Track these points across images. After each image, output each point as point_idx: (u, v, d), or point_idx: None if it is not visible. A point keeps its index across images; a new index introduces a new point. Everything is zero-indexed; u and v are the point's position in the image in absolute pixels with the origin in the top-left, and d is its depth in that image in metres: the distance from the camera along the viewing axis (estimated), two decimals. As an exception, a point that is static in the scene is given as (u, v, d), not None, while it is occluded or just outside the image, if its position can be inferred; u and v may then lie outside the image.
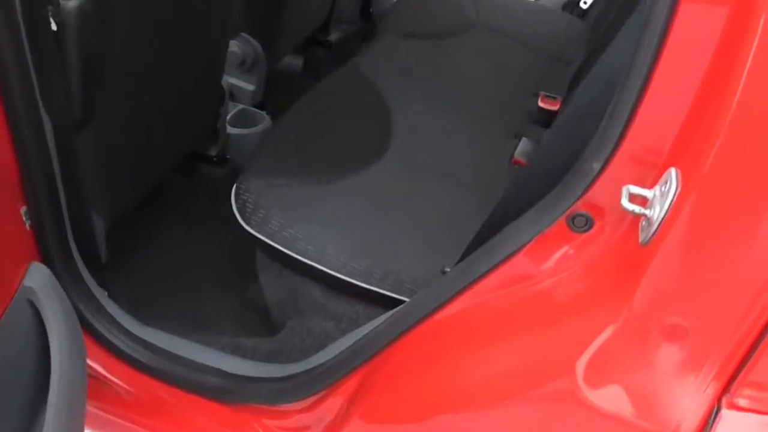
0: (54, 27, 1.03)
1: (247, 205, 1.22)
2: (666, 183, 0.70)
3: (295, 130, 1.41)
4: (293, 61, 2.23)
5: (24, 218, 1.06)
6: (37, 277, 1.01)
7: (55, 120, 1.07)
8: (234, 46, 1.79)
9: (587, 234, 0.80)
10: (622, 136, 0.74)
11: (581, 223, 0.79)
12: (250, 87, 1.89)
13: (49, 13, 1.02)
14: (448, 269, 1.08)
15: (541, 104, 1.55)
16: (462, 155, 1.42)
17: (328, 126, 1.43)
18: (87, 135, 1.19)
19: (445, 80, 1.62)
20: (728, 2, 0.71)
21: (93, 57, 1.10)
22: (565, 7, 2.06)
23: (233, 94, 1.89)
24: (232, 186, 1.35)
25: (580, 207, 0.79)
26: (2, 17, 0.92)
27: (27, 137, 1.01)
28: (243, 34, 1.82)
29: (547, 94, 1.56)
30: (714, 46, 0.72)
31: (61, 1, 1.03)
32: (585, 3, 1.99)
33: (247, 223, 1.21)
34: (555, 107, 1.53)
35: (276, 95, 2.06)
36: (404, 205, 1.28)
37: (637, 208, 0.71)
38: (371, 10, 2.26)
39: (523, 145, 1.46)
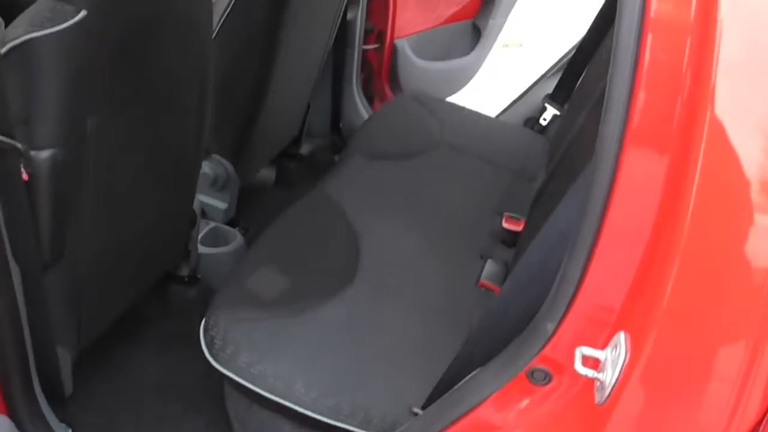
0: (25, 177, 1.06)
1: (215, 340, 1.22)
2: (616, 347, 0.72)
3: (264, 260, 1.43)
4: (266, 174, 2.28)
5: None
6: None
7: (23, 266, 1.09)
8: (206, 167, 1.84)
9: (547, 388, 0.82)
10: (573, 297, 0.77)
11: (540, 377, 0.81)
12: (222, 205, 1.92)
13: (21, 165, 1.05)
14: (416, 410, 1.09)
15: (505, 225, 1.59)
16: (429, 279, 1.45)
17: (296, 254, 1.46)
18: (55, 274, 1.20)
19: (411, 202, 1.66)
20: (669, 151, 0.75)
21: (64, 204, 1.12)
22: (526, 123, 2.15)
23: (205, 213, 1.92)
24: (203, 306, 1.35)
25: (538, 363, 0.81)
26: None
27: None
28: (214, 155, 1.86)
29: (511, 215, 1.61)
30: (657, 203, 0.76)
31: (32, 153, 1.06)
32: (545, 120, 2.08)
33: (216, 360, 1.21)
34: (519, 228, 1.58)
35: (249, 208, 2.09)
36: (373, 335, 1.30)
37: (590, 372, 0.73)
38: (341, 125, 2.34)
39: (489, 266, 1.50)
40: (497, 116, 2.29)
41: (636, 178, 0.77)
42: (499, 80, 3.42)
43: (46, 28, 1.00)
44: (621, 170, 0.76)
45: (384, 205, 1.63)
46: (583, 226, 0.77)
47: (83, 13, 1.02)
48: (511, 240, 1.59)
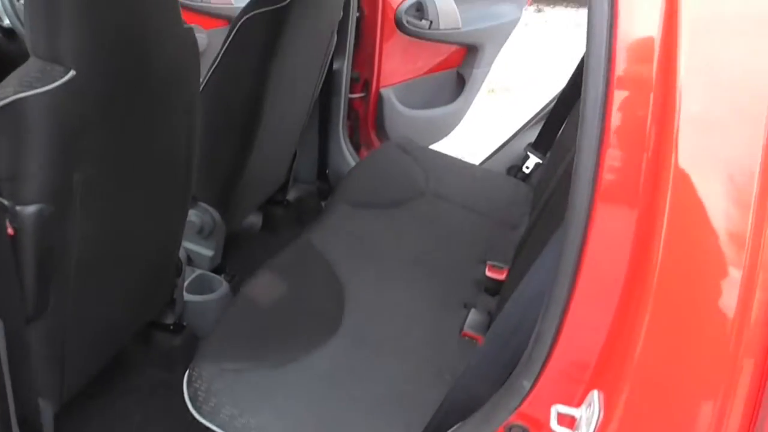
0: (11, 232, 1.07)
1: (199, 393, 1.22)
2: (590, 405, 0.74)
3: (249, 310, 1.44)
4: (252, 220, 2.30)
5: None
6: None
7: (6, 319, 1.09)
8: (192, 215, 1.85)
9: (524, 444, 0.82)
10: (548, 355, 0.78)
11: None
12: (209, 253, 1.93)
13: (6, 220, 1.06)
14: None
15: (488, 274, 1.61)
16: (413, 329, 1.46)
17: (280, 305, 1.47)
18: (38, 327, 1.20)
19: (396, 251, 1.68)
20: (637, 207, 0.77)
21: (49, 258, 1.13)
22: (509, 171, 2.19)
23: (191, 260, 1.93)
24: (188, 354, 1.35)
25: (516, 419, 0.82)
26: None
27: None
28: (201, 203, 1.88)
29: (494, 263, 1.63)
30: (627, 259, 0.78)
31: (18, 208, 1.07)
32: (527, 168, 2.11)
33: (199, 412, 1.21)
34: (502, 276, 1.60)
35: (235, 255, 2.10)
36: (356, 386, 1.30)
37: (565, 431, 0.74)
38: (328, 171, 2.37)
39: (473, 316, 1.51)
40: (481, 164, 2.32)
41: (606, 235, 0.79)
42: (485, 126, 3.48)
43: (35, 88, 1.02)
44: (592, 227, 0.78)
45: (369, 254, 1.64)
46: (557, 284, 0.79)
47: (72, 73, 1.04)
48: (495, 288, 1.60)
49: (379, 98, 2.40)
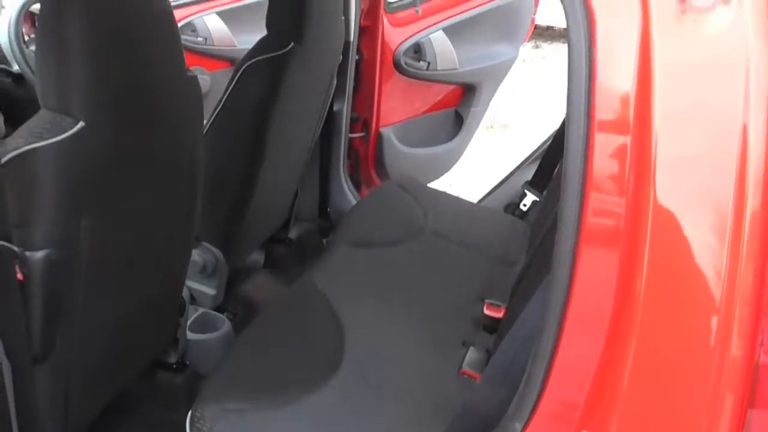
0: (20, 277, 1.11)
1: (201, 433, 1.25)
2: (581, 447, 0.76)
3: (251, 350, 1.47)
4: (254, 257, 2.33)
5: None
6: None
7: (14, 361, 1.12)
8: (195, 254, 1.88)
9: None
10: (538, 398, 0.81)
11: None
12: (211, 291, 1.96)
13: (16, 266, 1.09)
14: None
15: (486, 312, 1.64)
16: (413, 368, 1.48)
17: (282, 345, 1.49)
18: (44, 367, 1.23)
19: (396, 290, 1.71)
20: (619, 250, 0.80)
21: (56, 301, 1.16)
22: (507, 209, 2.22)
23: (194, 298, 1.96)
24: (191, 392, 1.37)
25: (509, 460, 0.84)
26: None
27: None
28: (204, 243, 1.91)
29: (492, 302, 1.65)
30: (612, 300, 0.81)
31: (27, 253, 1.11)
32: (524, 205, 2.15)
33: None
34: (500, 314, 1.62)
35: (237, 292, 2.13)
36: (357, 426, 1.32)
37: (556, 473, 0.77)
38: (329, 209, 2.40)
39: (471, 354, 1.53)
40: (479, 201, 2.36)
41: (591, 277, 0.81)
42: (484, 162, 3.53)
43: (45, 139, 1.06)
44: (577, 270, 0.81)
45: (369, 293, 1.67)
46: (545, 327, 0.81)
47: (81, 124, 1.09)
48: (493, 326, 1.63)
49: (379, 137, 2.45)
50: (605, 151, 0.80)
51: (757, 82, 0.70)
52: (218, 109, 1.75)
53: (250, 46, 1.85)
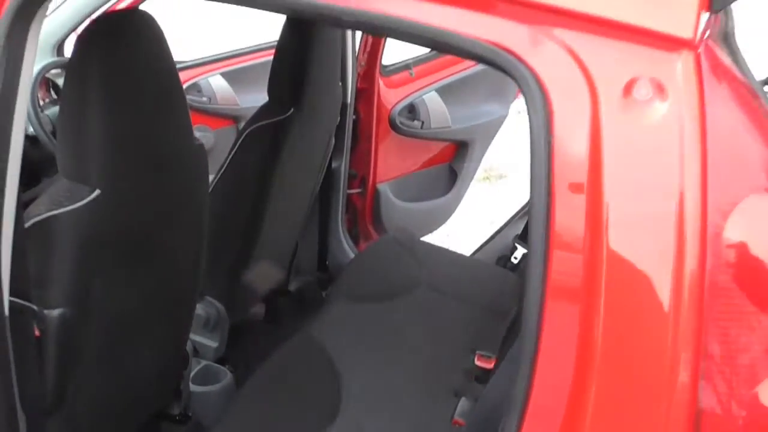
0: (37, 333, 1.19)
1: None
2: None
3: (251, 403, 1.54)
4: (256, 309, 2.40)
5: None
6: None
7: (28, 413, 1.19)
8: (199, 308, 1.96)
9: None
10: None
11: None
12: (213, 344, 2.03)
13: (34, 323, 1.18)
14: None
15: (477, 363, 1.71)
16: (407, 418, 1.55)
17: (281, 397, 1.56)
18: (56, 418, 1.30)
19: (391, 342, 1.78)
20: (579, 302, 0.88)
21: (70, 356, 1.24)
22: (498, 261, 2.31)
23: (196, 351, 2.03)
24: None
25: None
26: None
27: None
28: (207, 297, 1.99)
29: (483, 353, 1.72)
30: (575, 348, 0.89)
31: (45, 311, 1.19)
32: (515, 258, 2.24)
33: None
34: (490, 365, 1.70)
35: (238, 344, 2.20)
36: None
37: None
38: (328, 263, 2.49)
39: (462, 404, 1.60)
40: (472, 254, 2.45)
41: (556, 329, 0.89)
42: (480, 213, 3.62)
43: (64, 206, 1.16)
44: (544, 323, 0.89)
45: (366, 346, 1.74)
46: (519, 375, 0.89)
47: (96, 192, 1.19)
48: (484, 377, 1.69)
49: (376, 193, 2.55)
50: (564, 215, 0.89)
51: (690, 162, 0.80)
52: (222, 171, 1.85)
53: (252, 105, 1.96)
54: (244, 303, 2.12)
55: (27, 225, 1.14)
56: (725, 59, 0.95)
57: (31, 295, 1.16)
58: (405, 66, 2.57)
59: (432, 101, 2.59)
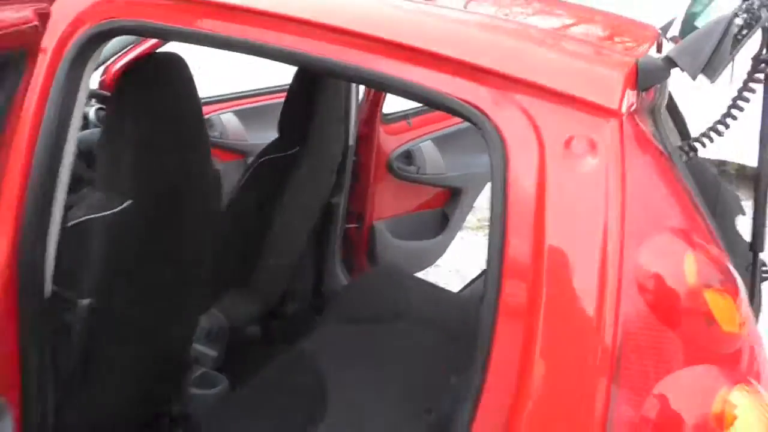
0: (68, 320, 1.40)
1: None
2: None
3: (242, 408, 1.72)
4: (252, 330, 2.57)
5: None
6: None
7: (57, 385, 1.38)
8: (203, 319, 2.15)
9: None
10: None
11: None
12: (213, 353, 2.21)
13: (68, 309, 1.38)
14: None
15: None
16: (384, 428, 1.73)
17: (270, 402, 1.75)
18: (78, 397, 1.48)
19: (377, 361, 1.97)
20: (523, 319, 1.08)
21: (92, 343, 1.44)
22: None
23: (197, 359, 2.21)
24: None
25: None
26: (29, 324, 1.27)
27: None
28: (212, 309, 2.19)
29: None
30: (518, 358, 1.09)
31: (78, 300, 1.40)
32: (495, 296, 2.42)
33: None
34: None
35: (236, 360, 2.37)
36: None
37: None
38: (322, 289, 2.68)
39: (433, 418, 1.78)
40: (459, 291, 2.64)
41: (505, 342, 1.09)
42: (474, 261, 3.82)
43: (100, 212, 1.38)
44: (496, 337, 1.09)
45: (353, 363, 1.93)
46: (473, 377, 1.09)
47: (128, 202, 1.41)
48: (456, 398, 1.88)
49: (372, 229, 2.75)
50: (515, 245, 1.09)
51: (613, 205, 1.02)
52: (231, 197, 2.07)
53: (259, 141, 2.18)
54: (244, 318, 2.31)
55: (68, 225, 1.35)
56: (648, 128, 1.17)
57: (67, 284, 1.36)
58: (404, 116, 2.81)
59: (428, 149, 2.82)
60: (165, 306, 1.74)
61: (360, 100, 2.58)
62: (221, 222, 1.86)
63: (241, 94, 3.27)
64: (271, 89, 3.20)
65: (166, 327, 1.78)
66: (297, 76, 2.08)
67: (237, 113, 3.22)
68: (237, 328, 2.27)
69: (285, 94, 2.14)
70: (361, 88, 2.56)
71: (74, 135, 1.30)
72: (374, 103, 2.62)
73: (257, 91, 3.24)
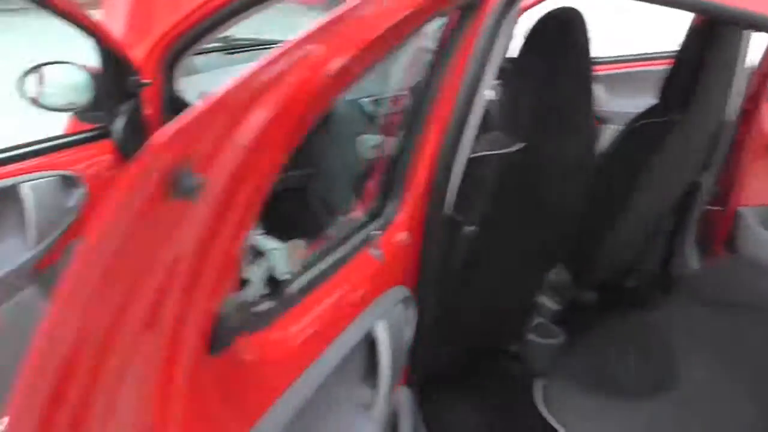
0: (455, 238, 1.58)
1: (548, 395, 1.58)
2: None
3: (587, 357, 1.76)
4: (588, 296, 2.57)
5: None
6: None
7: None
8: (551, 273, 2.23)
9: None
10: None
11: None
12: (555, 306, 2.25)
13: (456, 231, 1.56)
14: None
15: None
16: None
17: (615, 358, 1.76)
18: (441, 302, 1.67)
19: (727, 349, 1.87)
20: None
21: (468, 265, 1.61)
22: None
23: (539, 309, 2.29)
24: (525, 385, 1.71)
25: None
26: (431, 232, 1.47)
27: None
28: (560, 264, 2.25)
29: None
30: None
31: (465, 227, 1.56)
32: None
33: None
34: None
35: (572, 319, 2.41)
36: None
37: None
38: (670, 269, 2.57)
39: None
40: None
41: None
42: None
43: (499, 149, 1.52)
44: None
45: (704, 345, 1.86)
46: None
47: (519, 144, 1.53)
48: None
49: (736, 215, 2.55)
50: None
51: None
52: (601, 158, 2.08)
53: (620, 110, 2.14)
54: (589, 279, 2.33)
55: (470, 156, 1.51)
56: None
57: (460, 210, 1.54)
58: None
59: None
60: (528, 249, 1.85)
61: (749, 74, 2.38)
62: (589, 181, 1.89)
63: (608, 60, 3.23)
64: (643, 56, 3.10)
65: (524, 269, 1.90)
66: (688, 37, 2.00)
67: (602, 79, 3.18)
68: (580, 286, 2.31)
69: (645, 62, 2.08)
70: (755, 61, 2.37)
71: (490, 75, 1.45)
72: (764, 78, 2.40)
73: (627, 57, 3.17)
